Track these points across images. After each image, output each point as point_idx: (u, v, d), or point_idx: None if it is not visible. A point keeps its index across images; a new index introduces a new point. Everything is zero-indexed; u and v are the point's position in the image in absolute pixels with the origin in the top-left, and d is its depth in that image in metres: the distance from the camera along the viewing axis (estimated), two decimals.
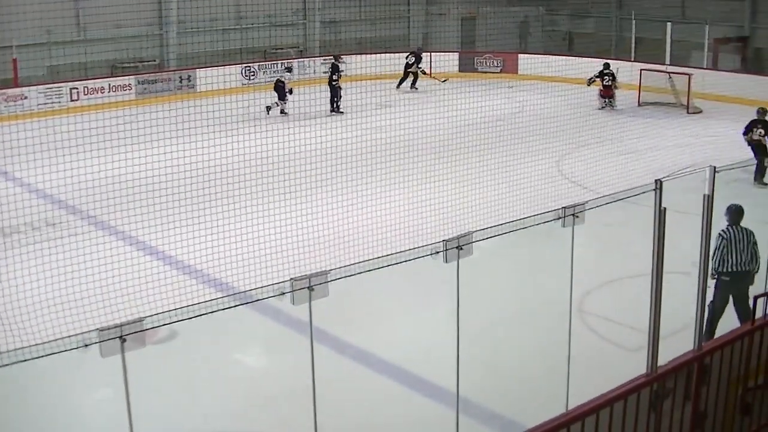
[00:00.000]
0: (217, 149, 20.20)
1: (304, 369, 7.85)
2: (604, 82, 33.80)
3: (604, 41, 44.55)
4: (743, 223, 13.04)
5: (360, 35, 41.02)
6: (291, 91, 32.24)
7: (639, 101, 34.54)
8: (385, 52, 36.65)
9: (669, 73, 34.69)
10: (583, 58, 36.32)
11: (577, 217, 9.03)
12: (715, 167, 9.40)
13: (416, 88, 37.63)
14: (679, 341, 10.09)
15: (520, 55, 40.54)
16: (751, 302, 10.55)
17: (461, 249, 8.26)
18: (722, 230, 12.95)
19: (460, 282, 8.49)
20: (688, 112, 33.16)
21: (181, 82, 36.06)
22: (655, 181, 8.90)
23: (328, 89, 33.27)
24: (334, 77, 33.58)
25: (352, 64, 36.55)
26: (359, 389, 12.40)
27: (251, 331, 13.60)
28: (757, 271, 13.09)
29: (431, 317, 14.01)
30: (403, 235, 16.17)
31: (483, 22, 44.22)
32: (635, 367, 9.43)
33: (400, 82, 37.72)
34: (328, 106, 32.14)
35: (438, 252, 8.23)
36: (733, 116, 31.62)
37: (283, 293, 7.36)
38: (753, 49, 39.98)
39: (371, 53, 36.68)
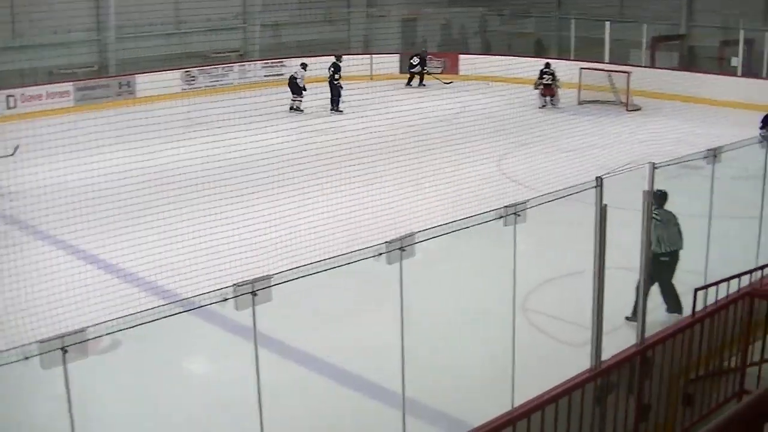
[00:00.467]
0: (158, 155, 20.05)
1: (250, 375, 7.84)
2: (545, 81, 34.05)
3: (544, 40, 44.80)
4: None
5: (301, 38, 40.96)
6: (305, 88, 32.69)
7: (579, 100, 34.80)
8: (327, 55, 36.65)
9: (608, 71, 34.99)
10: (523, 58, 36.55)
11: (519, 215, 9.08)
12: (654, 164, 9.50)
13: (424, 85, 38.40)
14: (622, 336, 10.20)
15: (461, 55, 40.63)
16: (691, 296, 10.66)
17: (404, 250, 8.28)
18: (654, 213, 12.89)
19: (404, 283, 8.51)
20: (627, 110, 33.47)
21: (120, 88, 35.77)
22: (596, 178, 8.99)
23: (328, 89, 33.69)
24: (336, 76, 33.86)
25: (292, 67, 36.47)
26: (305, 393, 12.39)
27: (195, 338, 13.53)
28: (682, 248, 14.00)
29: (376, 319, 13.98)
30: (346, 237, 16.16)
31: (423, 23, 44.31)
32: (580, 362, 9.51)
33: (408, 82, 38.32)
34: (322, 106, 32.25)
35: (381, 254, 8.23)
36: (671, 113, 32.03)
37: (226, 299, 7.33)
38: (689, 46, 40.38)
39: (313, 56, 36.70)
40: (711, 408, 9.99)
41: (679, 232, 14.00)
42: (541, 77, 34.10)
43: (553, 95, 34.18)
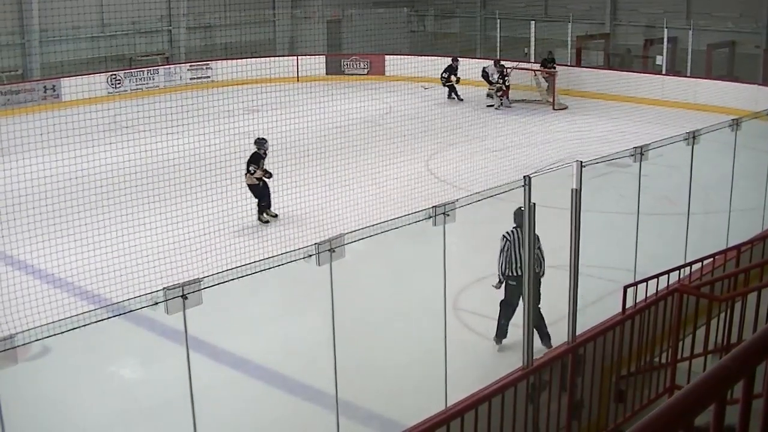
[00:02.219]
0: (84, 159, 19.81)
1: (182, 378, 7.75)
2: (507, 83, 34.15)
3: (469, 41, 44.98)
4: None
5: (226, 40, 40.74)
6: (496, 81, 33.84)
7: (499, 101, 34.94)
8: (252, 57, 36.47)
9: (534, 71, 35.19)
10: (449, 58, 36.68)
11: (448, 215, 9.07)
12: (581, 162, 9.54)
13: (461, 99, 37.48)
14: (553, 334, 10.24)
15: (386, 56, 40.64)
16: (620, 293, 10.72)
17: (334, 252, 8.25)
18: (507, 232, 12.91)
19: (334, 284, 8.46)
20: (553, 109, 33.69)
21: (45, 92, 35.28)
22: (524, 177, 9.00)
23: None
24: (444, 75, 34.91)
25: (218, 69, 36.28)
26: (238, 396, 12.29)
27: (126, 342, 13.39)
28: (542, 275, 12.74)
29: (307, 321, 13.96)
30: (276, 240, 16.08)
31: (348, 24, 44.28)
32: (512, 361, 9.53)
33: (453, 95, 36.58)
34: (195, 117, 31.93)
35: (311, 255, 8.20)
36: (597, 111, 32.32)
37: (157, 303, 7.26)
38: (614, 45, 40.79)
39: (238, 58, 36.52)
40: (643, 404, 10.05)
41: (539, 257, 12.63)
42: (502, 79, 34.12)
43: (503, 94, 34.33)
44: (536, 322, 12.33)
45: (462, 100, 34.89)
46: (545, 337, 12.52)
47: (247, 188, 19.77)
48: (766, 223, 15.09)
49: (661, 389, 10.07)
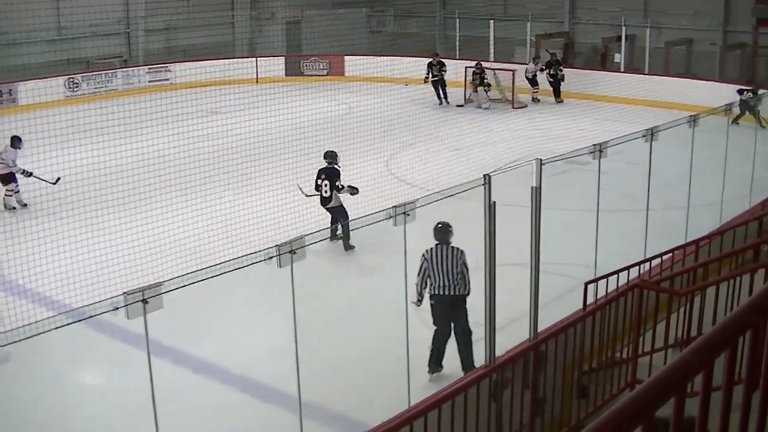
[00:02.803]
0: (41, 164, 19.69)
1: (145, 384, 7.71)
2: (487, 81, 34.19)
3: (429, 40, 45.03)
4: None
5: (186, 42, 40.58)
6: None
7: (465, 98, 35.00)
8: (212, 59, 36.39)
9: (494, 69, 35.29)
10: (409, 58, 36.72)
11: (409, 215, 9.08)
12: (541, 160, 9.57)
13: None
14: (515, 331, 10.26)
15: (346, 57, 40.61)
16: (581, 289, 10.76)
17: (294, 253, 8.24)
18: (426, 251, 12.25)
19: (295, 286, 8.46)
20: (513, 107, 33.83)
21: (2, 96, 35.00)
22: (484, 176, 9.02)
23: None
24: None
25: (177, 71, 36.15)
26: (201, 401, 12.23)
27: (87, 348, 13.29)
28: (467, 294, 12.19)
29: (269, 323, 13.92)
30: (236, 242, 16.02)
31: (308, 26, 44.21)
32: (474, 359, 9.54)
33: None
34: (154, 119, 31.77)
35: (272, 257, 8.19)
36: (556, 109, 32.43)
37: (117, 308, 7.22)
38: (573, 43, 40.99)
39: (198, 60, 36.42)
40: (605, 399, 10.10)
41: (462, 274, 12.17)
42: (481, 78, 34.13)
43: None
44: (460, 348, 12.12)
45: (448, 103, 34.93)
46: (467, 369, 11.55)
47: (326, 210, 17.69)
48: (724, 217, 15.21)
49: (623, 384, 10.13)
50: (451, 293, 12.12)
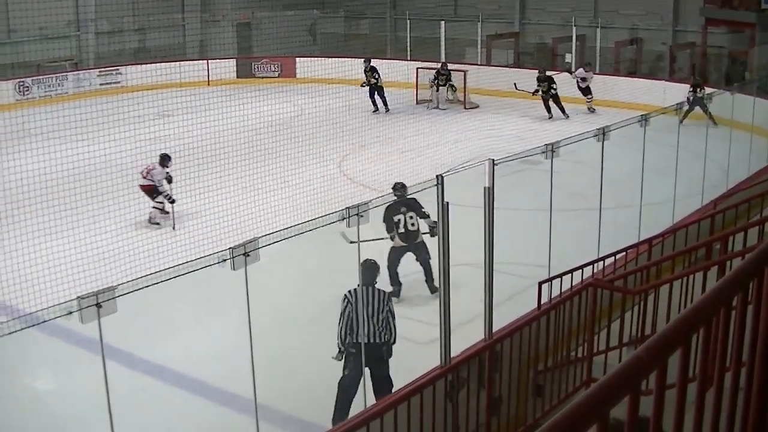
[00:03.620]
0: None
1: (99, 388, 7.66)
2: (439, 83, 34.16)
3: (380, 41, 45.08)
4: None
5: (136, 45, 40.39)
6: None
7: (416, 99, 35.06)
8: (163, 61, 36.22)
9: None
10: (360, 59, 36.71)
11: (362, 216, 9.07)
12: (494, 160, 9.59)
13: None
14: (469, 332, 10.27)
15: (297, 58, 40.56)
16: (535, 289, 10.79)
17: (248, 255, 8.22)
18: (349, 292, 11.04)
19: (249, 288, 8.43)
20: (465, 108, 33.89)
21: None
22: (437, 176, 9.03)
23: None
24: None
25: (129, 74, 35.99)
26: (156, 404, 12.16)
27: (40, 354, 13.20)
28: (394, 342, 11.21)
29: (224, 326, 13.88)
30: (189, 245, 15.94)
31: (258, 27, 44.12)
32: (429, 360, 9.54)
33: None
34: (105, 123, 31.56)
35: (225, 260, 8.17)
36: (508, 109, 32.53)
37: (71, 312, 7.18)
38: (524, 44, 41.19)
39: (148, 63, 36.26)
40: (561, 398, 10.13)
41: (387, 320, 11.06)
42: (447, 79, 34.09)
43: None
44: (377, 397, 10.52)
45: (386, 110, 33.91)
46: None
47: (408, 248, 15.30)
48: (676, 216, 15.32)
49: (578, 383, 10.17)
50: (377, 341, 10.98)
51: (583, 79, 32.60)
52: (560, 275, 11.07)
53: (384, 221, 14.59)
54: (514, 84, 32.64)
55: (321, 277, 15.71)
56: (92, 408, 8.39)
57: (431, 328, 9.92)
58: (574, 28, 35.88)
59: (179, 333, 14.39)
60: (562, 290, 10.84)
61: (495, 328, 9.91)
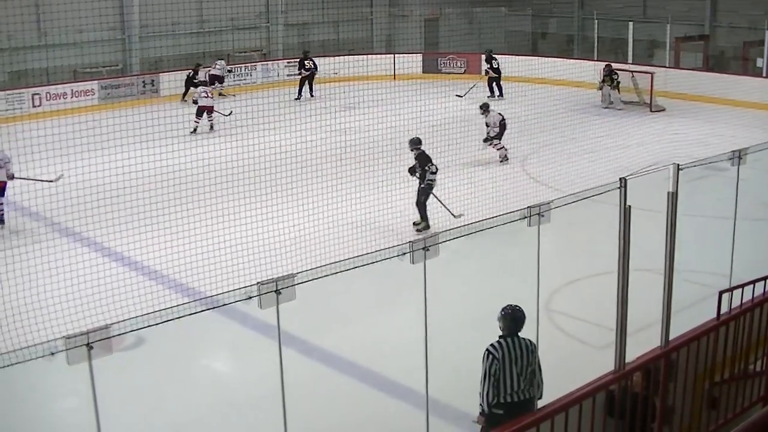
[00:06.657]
0: (181, 154, 20.09)
1: (273, 373, 7.82)
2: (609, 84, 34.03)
3: (567, 41, 44.73)
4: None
5: (324, 37, 41.01)
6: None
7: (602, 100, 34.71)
8: (349, 54, 36.68)
9: (632, 71, 34.86)
10: (547, 58, 36.50)
11: (543, 216, 9.04)
12: (678, 165, 9.45)
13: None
14: (645, 338, 10.15)
15: (483, 55, 40.51)
16: (715, 298, 10.60)
17: (428, 250, 8.25)
18: (493, 346, 9.73)
19: (427, 283, 8.48)
20: (651, 111, 33.32)
21: (144, 86, 35.88)
22: (620, 179, 8.94)
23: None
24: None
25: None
26: (328, 392, 12.37)
27: (219, 336, 13.56)
28: (540, 398, 9.71)
29: (399, 319, 13.99)
30: (369, 237, 16.14)
31: (445, 23, 44.28)
32: (603, 364, 9.46)
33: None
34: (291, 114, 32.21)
35: (405, 253, 8.21)
36: (695, 114, 31.86)
37: (251, 297, 7.33)
38: (714, 47, 40.25)
39: (335, 55, 36.79)
40: (736, 412, 9.93)
41: (534, 373, 9.68)
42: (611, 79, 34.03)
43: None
44: None
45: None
46: None
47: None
48: None
49: (755, 397, 9.96)
50: (524, 397, 9.63)
51: None
52: (742, 285, 10.81)
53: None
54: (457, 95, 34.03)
55: (499, 276, 15.70)
56: (265, 392, 8.57)
57: (607, 333, 9.83)
58: (766, 32, 34.86)
59: (355, 324, 14.57)
60: (743, 301, 10.60)
61: (671, 336, 9.77)
